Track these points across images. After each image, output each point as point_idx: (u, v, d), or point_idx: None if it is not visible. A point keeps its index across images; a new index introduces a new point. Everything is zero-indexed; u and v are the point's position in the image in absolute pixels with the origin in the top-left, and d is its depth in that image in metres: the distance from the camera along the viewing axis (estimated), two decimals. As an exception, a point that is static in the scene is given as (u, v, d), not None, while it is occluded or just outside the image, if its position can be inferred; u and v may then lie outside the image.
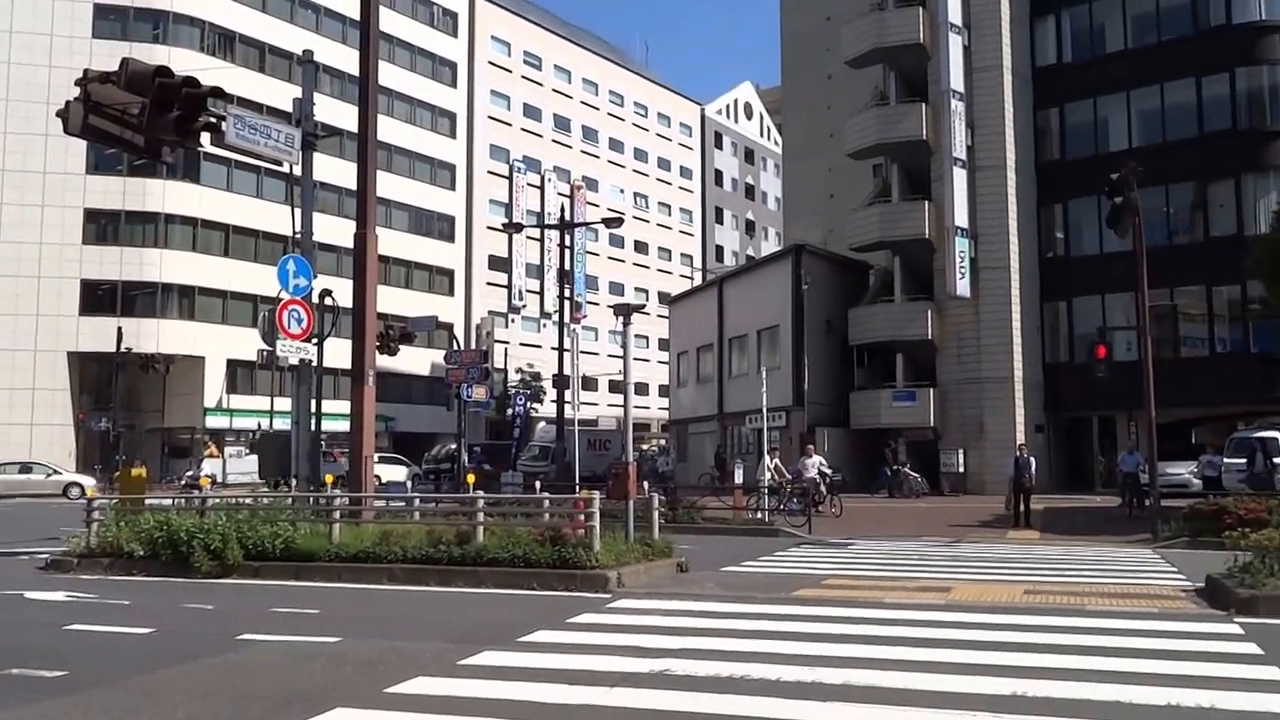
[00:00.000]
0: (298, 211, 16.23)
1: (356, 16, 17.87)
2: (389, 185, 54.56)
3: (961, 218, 35.11)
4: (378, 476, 37.17)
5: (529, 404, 46.49)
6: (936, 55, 36.17)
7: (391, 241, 54.14)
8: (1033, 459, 24.10)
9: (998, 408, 34.83)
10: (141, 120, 13.15)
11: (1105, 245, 33.03)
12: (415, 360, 53.26)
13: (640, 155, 78.74)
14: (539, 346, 66.01)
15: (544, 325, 66.07)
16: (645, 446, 55.70)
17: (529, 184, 67.37)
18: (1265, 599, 10.11)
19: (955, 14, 35.97)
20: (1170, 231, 34.55)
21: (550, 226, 46.08)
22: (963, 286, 35.04)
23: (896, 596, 11.76)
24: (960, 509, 27.65)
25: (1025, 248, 36.28)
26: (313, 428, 16.61)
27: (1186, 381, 31.06)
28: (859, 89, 41.59)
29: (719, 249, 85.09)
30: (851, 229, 38.96)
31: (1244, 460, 26.90)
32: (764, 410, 26.14)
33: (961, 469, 34.95)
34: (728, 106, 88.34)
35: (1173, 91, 35.19)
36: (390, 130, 55.59)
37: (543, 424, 50.60)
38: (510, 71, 68.22)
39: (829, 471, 26.58)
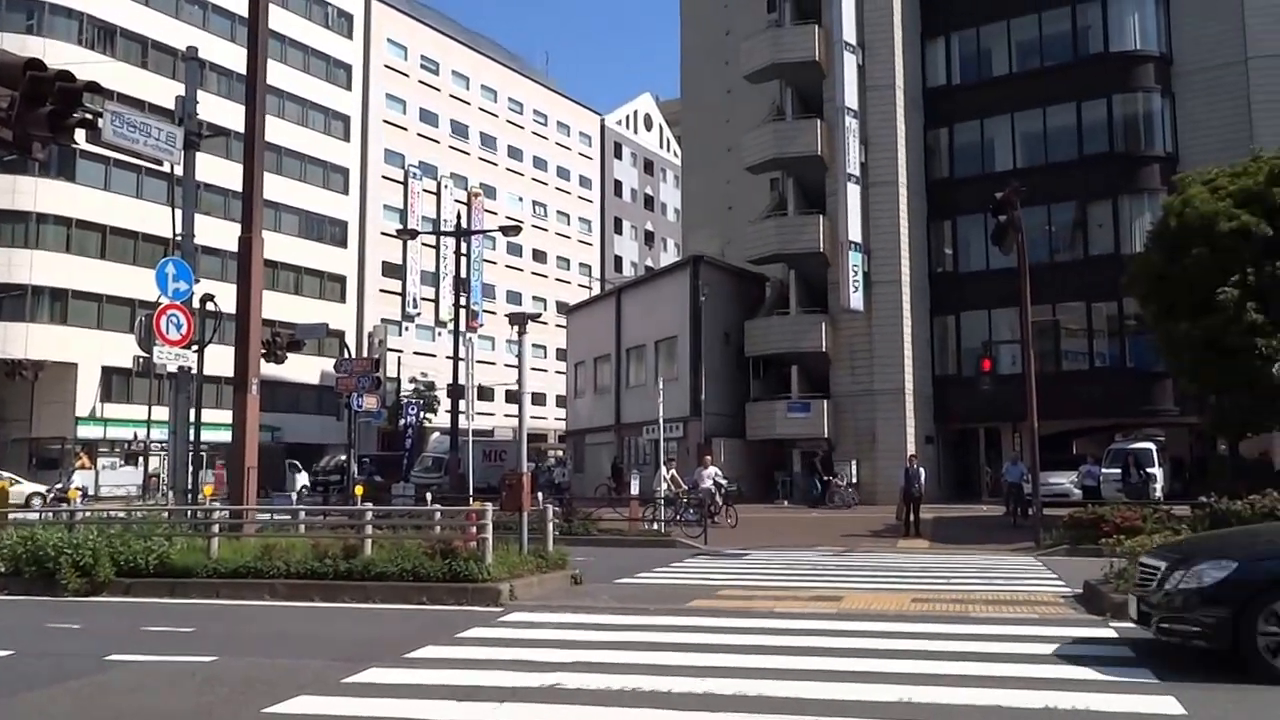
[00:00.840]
0: (179, 213, 15.63)
1: (245, 14, 17.29)
2: (279, 188, 53.18)
3: (855, 232, 35.80)
4: (262, 489, 36.14)
5: (422, 414, 45.70)
6: (832, 73, 36.86)
7: (280, 246, 52.78)
8: (922, 469, 24.60)
9: (889, 419, 35.55)
10: (10, 115, 12.43)
11: (992, 262, 34.02)
12: (304, 369, 51.95)
13: (539, 163, 78.45)
14: (434, 355, 64.99)
15: (439, 334, 65.24)
16: (547, 459, 55.30)
17: (425, 190, 66.57)
18: (1139, 604, 10.43)
19: (850, 33, 36.72)
20: (1052, 250, 35.79)
21: (446, 233, 45.57)
22: (856, 300, 35.70)
23: (789, 606, 11.81)
24: (853, 519, 28.10)
25: (916, 263, 37.17)
26: (191, 438, 15.96)
27: (1068, 394, 32.17)
28: (757, 103, 42.14)
29: (618, 259, 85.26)
30: (749, 241, 39.39)
31: (1120, 470, 28.00)
32: (661, 421, 26.19)
33: (854, 480, 35.51)
34: (628, 117, 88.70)
35: (1055, 115, 36.51)
36: (281, 132, 54.23)
37: (436, 435, 49.92)
38: (407, 76, 67.25)
39: (724, 482, 26.72)
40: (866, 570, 16.31)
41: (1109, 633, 9.71)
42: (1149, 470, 28.24)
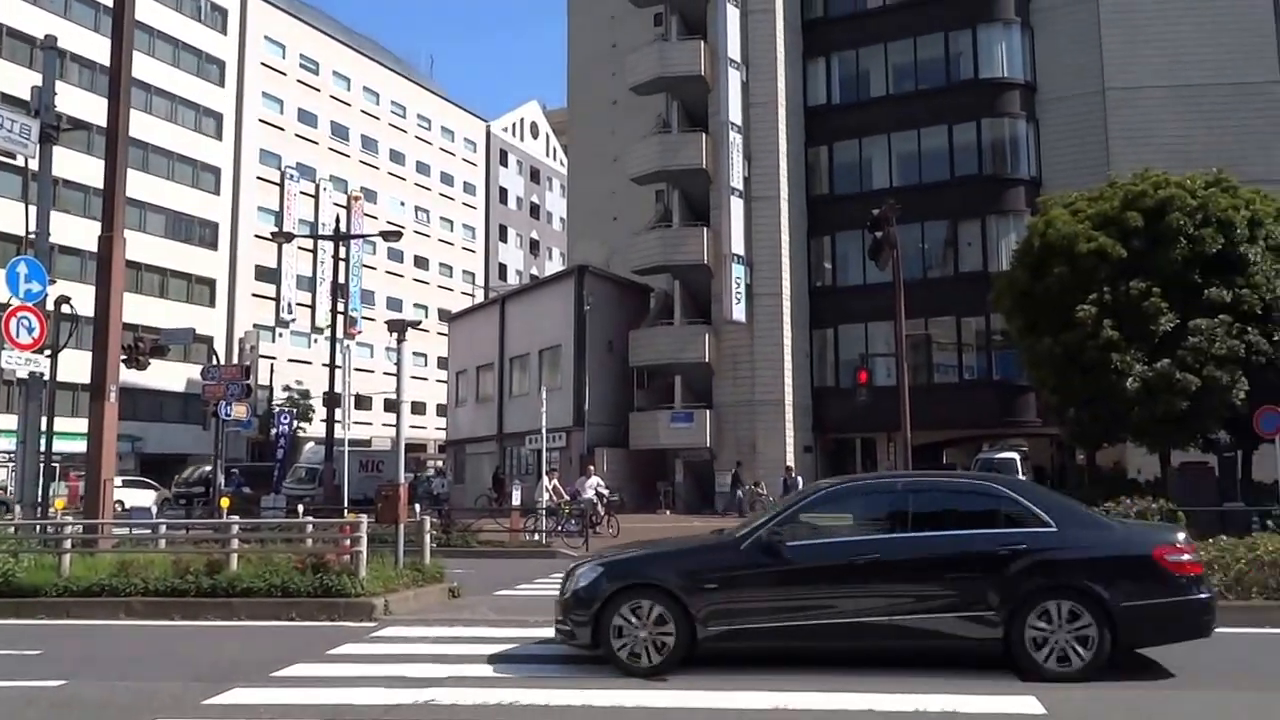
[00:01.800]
0: (33, 209, 14.82)
1: (110, 3, 16.51)
2: (144, 186, 51.17)
3: (738, 245, 36.32)
4: (120, 502, 34.49)
5: (296, 423, 44.44)
6: (716, 88, 37.37)
7: (145, 246, 50.75)
8: (800, 479, 25.06)
9: (770, 429, 36.12)
10: None
11: (868, 277, 34.91)
12: (169, 375, 50.02)
13: (422, 168, 77.32)
14: (309, 363, 63.39)
15: (315, 340, 63.62)
16: (427, 470, 54.39)
17: (302, 192, 64.90)
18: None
19: (735, 50, 37.30)
20: (925, 266, 36.95)
21: (324, 237, 44.53)
22: (738, 312, 36.20)
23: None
24: (733, 527, 28.31)
25: (796, 276, 37.90)
26: (43, 448, 15.14)
27: (939, 406, 33.27)
28: (643, 115, 42.41)
29: (502, 267, 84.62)
30: (634, 252, 39.57)
31: (987, 479, 28.99)
32: (544, 431, 25.99)
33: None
34: (514, 125, 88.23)
35: (928, 137, 37.76)
36: (147, 127, 52.18)
37: (311, 444, 48.57)
38: (284, 74, 65.50)
39: (607, 492, 26.70)
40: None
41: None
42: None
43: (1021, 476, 30.45)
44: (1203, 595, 7.82)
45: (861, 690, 7.42)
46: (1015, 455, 31.91)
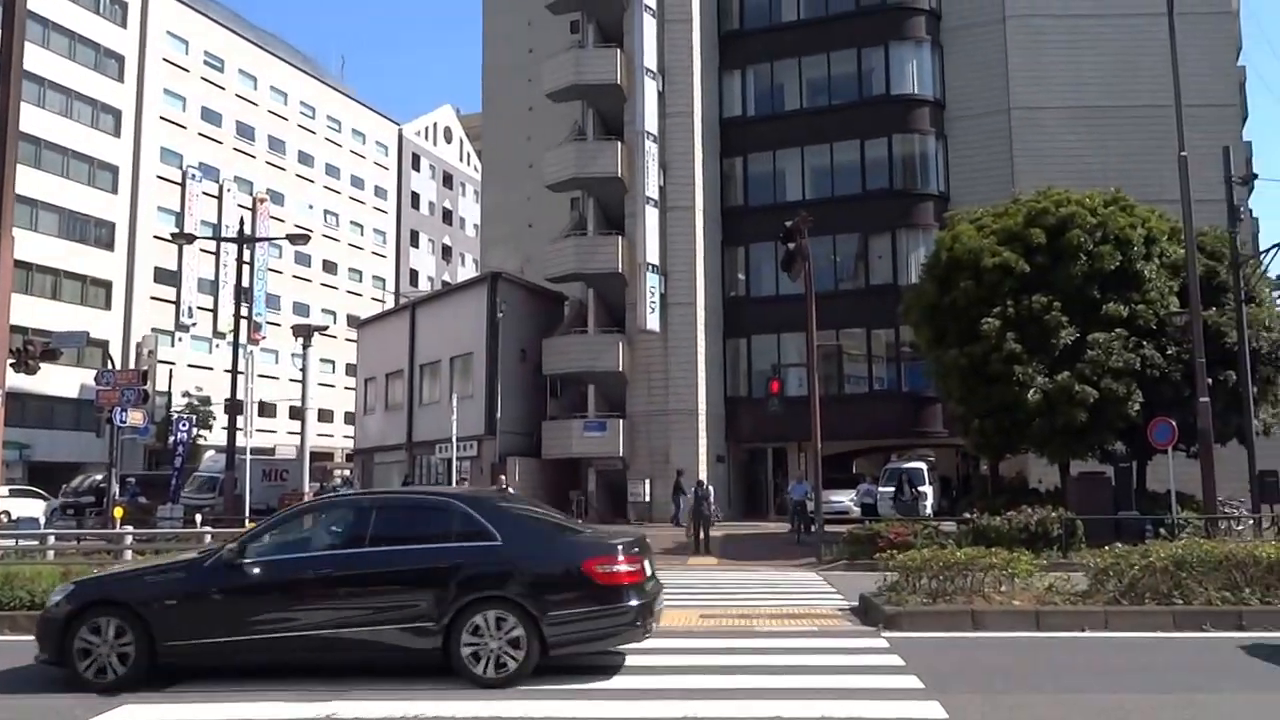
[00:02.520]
0: (-83, 202, 14.09)
1: (3, -11, 15.78)
2: (36, 183, 49.29)
3: (653, 254, 36.40)
4: (5, 512, 33.01)
5: (195, 431, 43.15)
6: (633, 97, 37.44)
7: (37, 246, 48.90)
8: (711, 488, 25.16)
9: (683, 439, 36.21)
10: None
11: (781, 288, 35.27)
12: (61, 381, 48.19)
13: (332, 171, 75.87)
14: (210, 369, 61.60)
15: (217, 346, 61.94)
16: (333, 479, 53.29)
17: (205, 193, 63.17)
18: (908, 614, 11.03)
19: (651, 60, 37.43)
20: (837, 278, 37.47)
21: (227, 239, 43.23)
22: (653, 321, 36.26)
23: (579, 624, 11.71)
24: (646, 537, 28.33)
25: (710, 286, 38.13)
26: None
27: (849, 416, 33.75)
28: (559, 122, 42.28)
29: (414, 273, 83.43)
30: (548, 259, 39.36)
31: (895, 488, 29.58)
32: (454, 439, 25.68)
33: (648, 498, 35.95)
34: (427, 129, 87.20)
35: (841, 151, 38.36)
36: (40, 122, 50.24)
37: (211, 453, 47.19)
38: (188, 71, 63.64)
39: (517, 501, 26.38)
40: (656, 587, 16.42)
41: (881, 643, 10.14)
42: (920, 489, 29.94)
43: (928, 486, 31.23)
44: (630, 604, 8.25)
45: (768, 698, 7.45)
46: (923, 465, 32.63)
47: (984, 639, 10.26)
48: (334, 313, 72.97)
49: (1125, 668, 8.70)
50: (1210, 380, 20.17)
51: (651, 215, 36.58)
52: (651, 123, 37.02)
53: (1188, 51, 23.45)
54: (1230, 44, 37.31)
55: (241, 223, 40.51)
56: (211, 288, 63.19)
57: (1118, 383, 21.28)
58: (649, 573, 8.89)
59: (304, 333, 14.95)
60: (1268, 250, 24.08)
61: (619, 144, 37.45)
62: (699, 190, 37.79)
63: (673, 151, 37.61)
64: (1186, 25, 24.75)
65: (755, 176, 39.73)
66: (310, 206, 72.90)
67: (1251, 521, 19.99)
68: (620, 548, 8.46)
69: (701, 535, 23.87)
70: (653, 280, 36.29)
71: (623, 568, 8.31)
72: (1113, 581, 11.45)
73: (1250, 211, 34.10)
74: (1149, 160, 31.76)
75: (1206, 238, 23.62)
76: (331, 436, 70.49)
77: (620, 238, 37.03)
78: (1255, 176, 27.89)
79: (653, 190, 36.70)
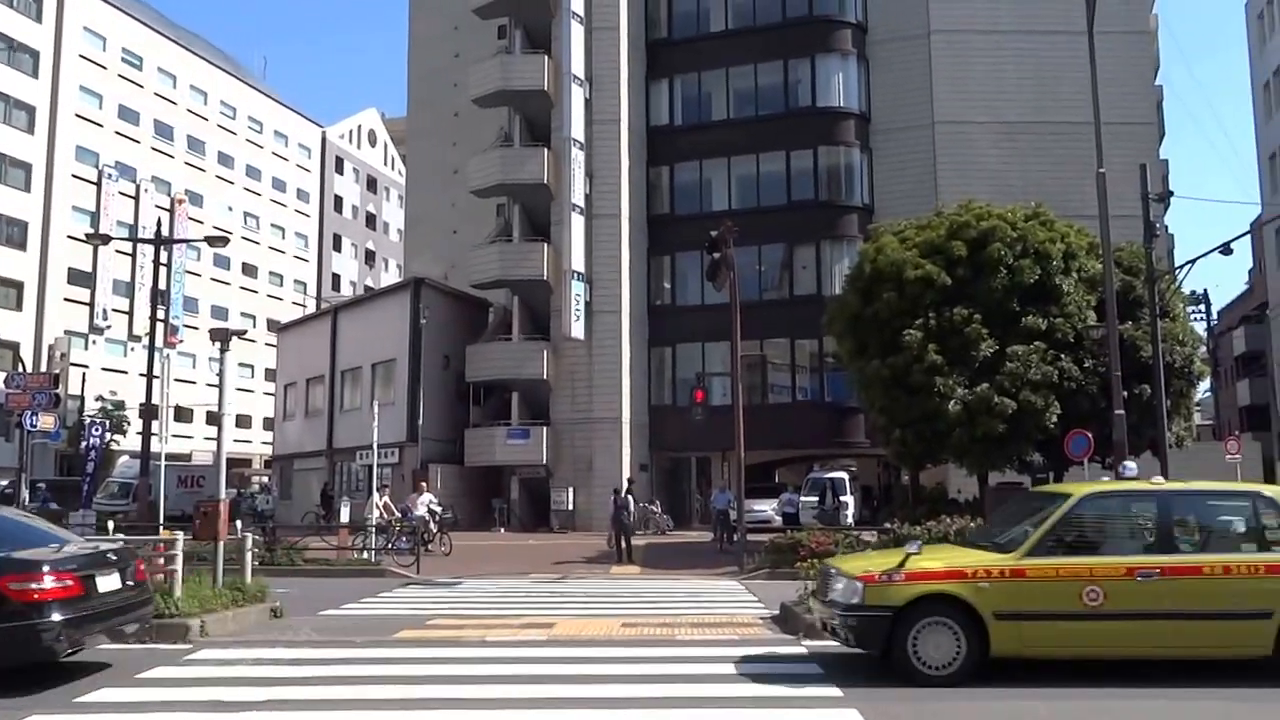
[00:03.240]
0: None
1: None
2: (-55, 179, 47.50)
3: (578, 262, 36.30)
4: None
5: (109, 436, 41.83)
6: (559, 104, 37.34)
7: (-55, 244, 47.10)
8: (631, 497, 25.09)
9: (606, 447, 36.13)
10: None
11: (706, 297, 35.39)
12: (-31, 382, 46.26)
13: (253, 172, 74.31)
14: (125, 372, 59.81)
15: (132, 349, 60.16)
16: (251, 486, 52.05)
17: (121, 192, 61.46)
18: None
19: (578, 67, 37.38)
20: (762, 288, 37.75)
21: (144, 240, 42.00)
22: (577, 329, 36.14)
23: (500, 634, 11.62)
24: (569, 546, 28.23)
25: (636, 294, 38.14)
26: None
27: (772, 426, 33.96)
28: (485, 127, 42.01)
29: (336, 277, 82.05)
30: (473, 266, 39.02)
31: (817, 498, 29.82)
32: (375, 446, 25.24)
33: (571, 506, 35.81)
34: (351, 131, 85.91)
35: (767, 162, 38.70)
36: (-50, 117, 48.43)
37: (125, 458, 45.85)
38: (105, 68, 61.83)
39: (439, 509, 26.13)
40: (579, 597, 16.34)
41: (801, 650, 10.16)
42: (842, 498, 30.25)
43: (850, 496, 31.56)
44: (39, 621, 8.11)
45: (688, 707, 7.40)
46: (845, 475, 32.96)
47: (903, 647, 10.29)
48: (254, 317, 71.41)
49: (1039, 674, 8.80)
50: (1125, 393, 20.62)
51: (577, 223, 36.48)
52: (578, 130, 36.95)
53: (1107, 70, 24.09)
54: (1148, 63, 38.51)
55: (159, 224, 39.45)
56: (127, 289, 61.43)
57: (1036, 395, 21.69)
58: (101, 588, 8.73)
59: (222, 336, 14.45)
60: (1182, 266, 24.80)
61: (545, 151, 37.32)
62: (625, 198, 37.80)
63: (599, 159, 37.57)
64: (1106, 44, 25.42)
65: (682, 185, 39.88)
66: (230, 208, 71.30)
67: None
68: (47, 564, 8.29)
69: (623, 544, 23.78)
70: (578, 288, 36.19)
71: (35, 585, 8.11)
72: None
73: (1166, 228, 35.17)
74: (1069, 176, 32.56)
75: (1124, 253, 24.19)
76: (250, 442, 68.95)
77: (546, 245, 36.88)
78: (1171, 194, 28.68)
79: (579, 198, 36.62)
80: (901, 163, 37.64)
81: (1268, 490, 9.03)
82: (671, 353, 38.84)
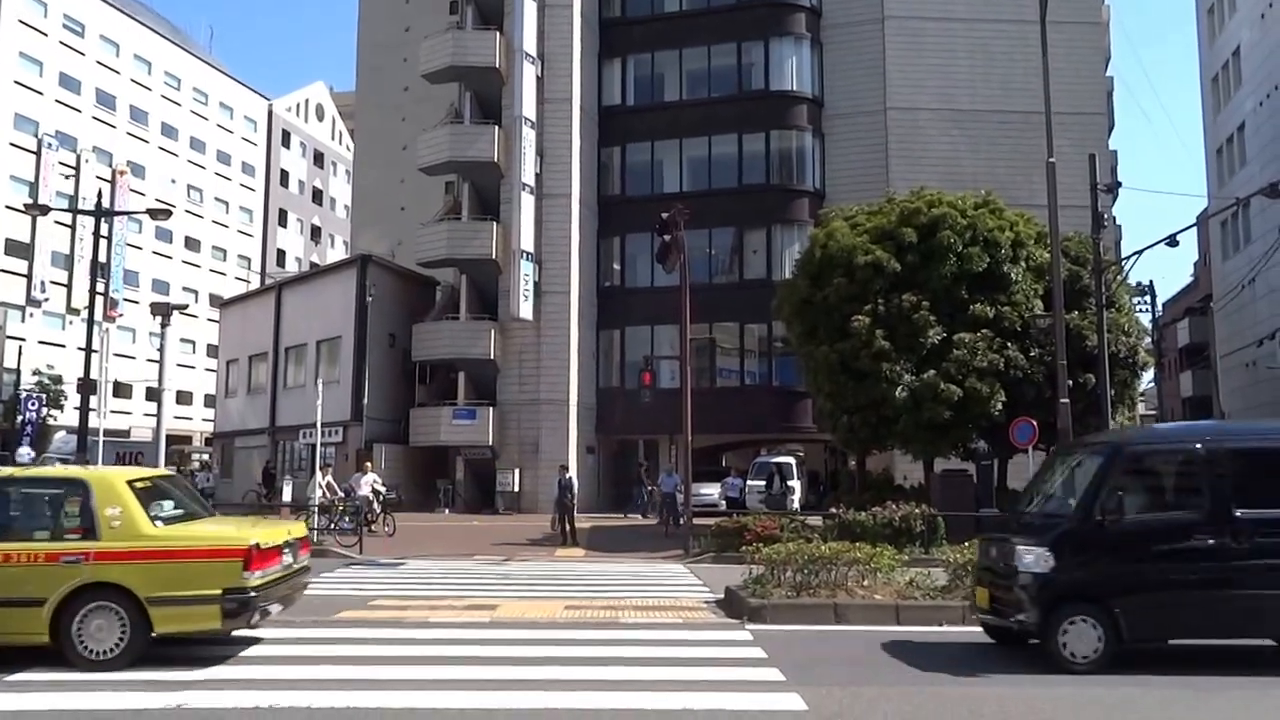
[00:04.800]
0: None
1: None
2: (-127, 145, 45.87)
3: (528, 242, 35.97)
4: None
5: (45, 411, 40.83)
6: (511, 81, 36.89)
7: (-127, 211, 45.54)
8: (574, 479, 24.98)
9: (553, 429, 35.94)
10: None
11: (656, 280, 35.26)
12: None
13: (197, 145, 72.72)
14: (62, 346, 58.51)
15: (71, 322, 58.81)
16: (191, 463, 51.09)
17: (61, 162, 59.89)
18: (772, 607, 11.04)
19: (530, 44, 36.95)
20: (712, 272, 37.72)
21: (84, 212, 40.91)
22: (526, 309, 35.85)
23: (443, 616, 11.51)
24: (514, 528, 28.05)
25: (585, 276, 37.91)
26: None
27: (720, 410, 33.93)
28: (435, 103, 41.43)
29: (280, 253, 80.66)
30: (421, 244, 38.52)
31: (764, 482, 29.87)
32: (319, 425, 24.80)
33: (516, 488, 35.60)
34: (299, 105, 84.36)
35: (719, 144, 38.61)
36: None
37: (62, 434, 44.82)
38: (45, 35, 60.05)
39: (383, 489, 25.80)
40: (523, 579, 16.21)
41: (745, 635, 10.12)
42: (789, 483, 30.33)
43: (797, 481, 31.67)
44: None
45: (631, 690, 7.35)
46: (792, 460, 33.04)
47: (846, 632, 10.33)
48: (196, 291, 70.05)
49: (981, 661, 8.84)
50: (1070, 382, 20.84)
51: (527, 202, 36.15)
52: (530, 108, 36.57)
53: (1059, 60, 24.26)
54: (1099, 54, 38.93)
55: (100, 195, 38.49)
56: (66, 262, 59.99)
57: (982, 382, 21.89)
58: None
59: (163, 311, 14.14)
60: (1129, 257, 25.08)
61: (496, 129, 36.88)
62: (576, 178, 37.51)
63: (551, 138, 37.23)
64: (1058, 34, 25.62)
65: (633, 166, 39.68)
66: (173, 181, 69.79)
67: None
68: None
69: (567, 526, 23.66)
70: (527, 268, 35.89)
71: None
72: (971, 577, 11.66)
73: (1114, 218, 35.60)
74: (1019, 165, 32.86)
75: (1071, 243, 24.45)
76: (190, 420, 67.81)
77: (495, 224, 36.50)
78: (1119, 185, 28.93)
79: (529, 177, 36.27)
80: (853, 148, 37.75)
81: (85, 474, 8.85)
82: (620, 335, 38.69)
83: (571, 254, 36.99)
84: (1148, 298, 40.19)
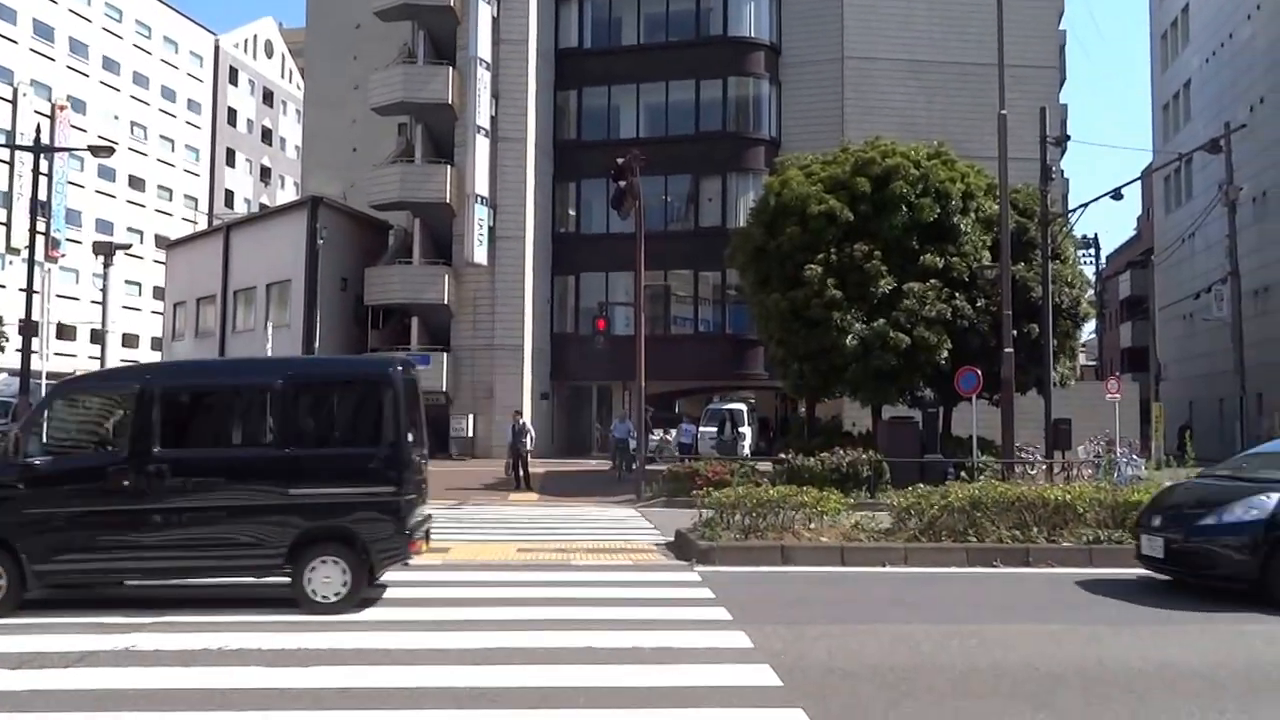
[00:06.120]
0: None
1: None
2: None
3: (482, 186, 35.59)
4: None
5: (-15, 352, 39.97)
6: (466, 21, 36.22)
7: None
8: (529, 425, 25.10)
9: (507, 374, 35.88)
10: None
11: (611, 226, 35.12)
12: None
13: (140, 80, 70.68)
14: (3, 287, 57.17)
15: (11, 262, 57.37)
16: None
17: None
18: (720, 550, 11.27)
19: (486, -18, 36.27)
20: (667, 219, 37.64)
21: (22, 148, 39.84)
22: (480, 254, 35.58)
23: (393, 559, 11.51)
24: (468, 473, 28.12)
25: (540, 221, 37.65)
26: None
27: (674, 357, 34.15)
28: (388, 43, 40.53)
29: (229, 193, 79.06)
30: (373, 186, 37.96)
31: (716, 428, 30.18)
32: (268, 368, 24.56)
33: (471, 433, 35.59)
34: (247, 41, 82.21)
35: (676, 90, 38.33)
36: None
37: (4, 376, 43.94)
38: (-21, -39, 57.89)
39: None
40: (476, 522, 16.34)
41: (694, 576, 10.31)
42: (740, 429, 30.66)
43: (748, 427, 32.02)
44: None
45: (581, 629, 7.48)
46: (743, 406, 33.37)
47: (792, 573, 10.57)
48: (141, 232, 68.57)
49: (920, 600, 9.10)
50: (1015, 332, 21.27)
51: (482, 145, 35.71)
52: (485, 49, 35.97)
53: (1014, 13, 24.24)
54: (1053, 8, 38.99)
55: (39, 130, 37.52)
56: (4, 200, 58.25)
57: (930, 331, 22.19)
58: None
59: (106, 251, 13.76)
60: (1075, 210, 25.48)
61: (450, 69, 36.28)
62: (532, 122, 37.08)
63: (506, 81, 36.71)
64: (1013, -13, 25.60)
65: (589, 111, 39.30)
66: (116, 117, 67.92)
67: (1044, 466, 21.30)
68: None
69: (521, 471, 23.79)
70: (481, 212, 35.56)
71: None
72: (914, 520, 11.97)
73: (1062, 172, 35.99)
74: (972, 116, 32.96)
75: (1020, 195, 24.73)
76: (137, 363, 66.67)
77: (449, 167, 36.06)
78: (1069, 138, 29.31)
79: (484, 120, 35.78)
80: (810, 97, 37.64)
81: None
82: (575, 281, 38.59)
83: (527, 199, 36.68)
84: (1092, 250, 40.94)
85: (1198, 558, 9.30)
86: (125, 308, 63.84)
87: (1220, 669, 6.59)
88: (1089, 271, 35.39)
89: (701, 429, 30.93)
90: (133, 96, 69.89)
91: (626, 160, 22.12)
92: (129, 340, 65.26)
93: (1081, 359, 35.53)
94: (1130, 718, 5.49)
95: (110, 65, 67.87)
